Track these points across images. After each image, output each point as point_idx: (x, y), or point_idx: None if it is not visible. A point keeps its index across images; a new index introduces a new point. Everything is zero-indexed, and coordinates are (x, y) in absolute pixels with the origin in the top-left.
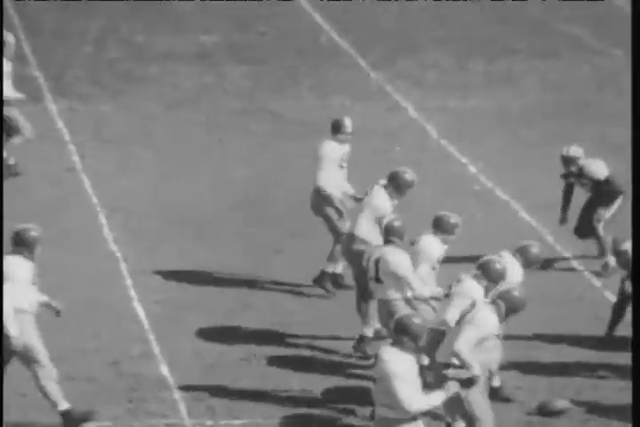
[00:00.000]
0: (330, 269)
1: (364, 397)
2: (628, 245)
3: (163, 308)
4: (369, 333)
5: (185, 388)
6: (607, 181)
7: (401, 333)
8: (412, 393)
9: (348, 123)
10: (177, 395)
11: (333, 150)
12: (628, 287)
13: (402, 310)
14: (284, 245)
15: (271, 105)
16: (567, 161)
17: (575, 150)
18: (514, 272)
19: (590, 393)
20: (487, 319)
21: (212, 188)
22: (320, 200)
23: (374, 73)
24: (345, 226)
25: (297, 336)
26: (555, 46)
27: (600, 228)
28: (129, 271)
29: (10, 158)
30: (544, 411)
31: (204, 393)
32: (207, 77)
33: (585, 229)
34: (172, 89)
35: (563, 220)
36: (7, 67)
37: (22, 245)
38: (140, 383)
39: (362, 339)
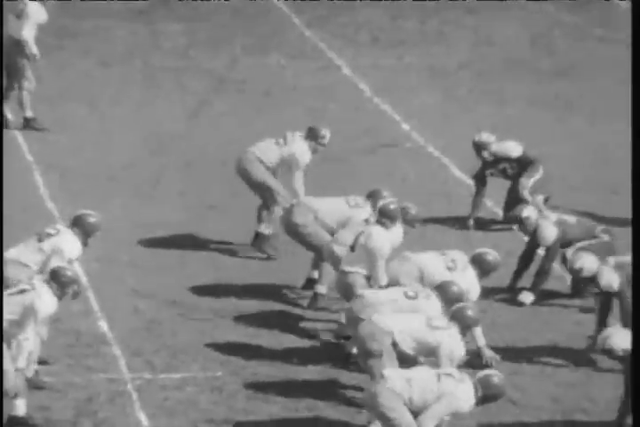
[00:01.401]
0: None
1: (306, 352)
2: (526, 212)
3: (101, 265)
4: (322, 290)
5: (124, 343)
6: (524, 157)
7: None
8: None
9: (327, 134)
10: (116, 350)
11: (303, 155)
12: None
13: (360, 284)
14: (222, 203)
15: (206, 63)
16: (479, 147)
17: (485, 136)
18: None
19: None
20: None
21: (148, 145)
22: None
23: (309, 31)
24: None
25: (235, 291)
26: (486, 2)
27: (526, 194)
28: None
29: None
30: None
31: (143, 348)
32: (141, 34)
33: (513, 201)
34: (106, 45)
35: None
36: None
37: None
38: (79, 339)
39: (315, 296)
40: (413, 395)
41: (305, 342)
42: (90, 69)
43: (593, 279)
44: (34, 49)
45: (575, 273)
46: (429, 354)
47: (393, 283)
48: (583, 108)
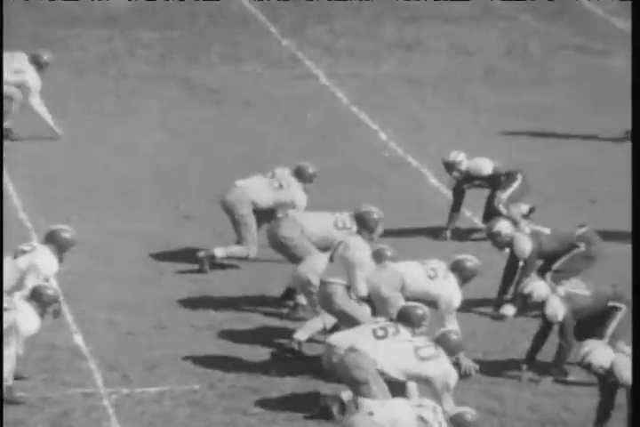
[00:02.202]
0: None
1: (285, 364)
2: (497, 226)
3: (75, 277)
4: (303, 300)
5: (100, 357)
6: (496, 173)
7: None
8: None
9: (316, 172)
10: (92, 364)
11: (302, 200)
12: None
13: (340, 295)
14: (198, 213)
15: (182, 71)
16: (449, 166)
17: (455, 155)
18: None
19: None
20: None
21: (124, 155)
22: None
23: (285, 40)
24: None
25: (212, 303)
26: (463, 11)
27: (501, 207)
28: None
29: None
30: None
31: (120, 362)
32: (116, 42)
33: (491, 213)
34: (80, 53)
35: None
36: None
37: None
38: (54, 354)
39: (296, 306)
40: None
41: (283, 354)
42: (63, 78)
43: (541, 306)
44: None
45: (523, 297)
46: (421, 381)
47: (374, 293)
48: (559, 117)
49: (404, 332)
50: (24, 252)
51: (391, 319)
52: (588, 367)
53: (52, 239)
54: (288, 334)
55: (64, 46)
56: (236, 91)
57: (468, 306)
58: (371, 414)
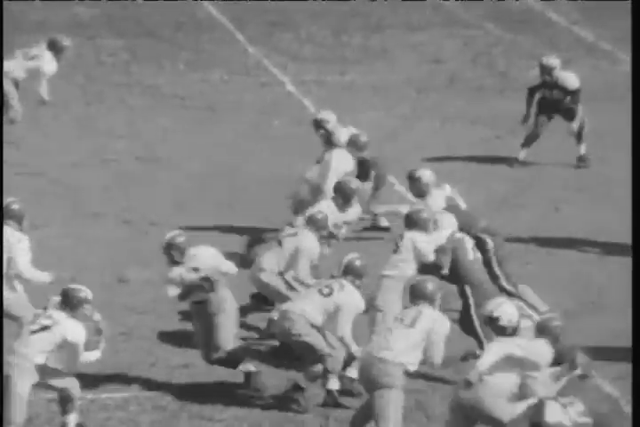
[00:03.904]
0: None
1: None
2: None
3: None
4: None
5: None
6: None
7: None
8: None
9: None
10: None
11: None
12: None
13: (276, 282)
14: (164, 220)
15: (149, 79)
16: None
17: (325, 114)
18: None
19: None
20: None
21: (90, 161)
22: None
23: (252, 48)
24: None
25: (177, 310)
26: (428, 20)
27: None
28: None
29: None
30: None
31: (85, 368)
32: (83, 49)
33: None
34: None
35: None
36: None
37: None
38: None
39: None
40: None
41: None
42: (29, 84)
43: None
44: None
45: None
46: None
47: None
48: (524, 126)
49: (350, 286)
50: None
51: (333, 276)
52: (494, 321)
53: (66, 300)
54: (247, 340)
55: None
56: (202, 97)
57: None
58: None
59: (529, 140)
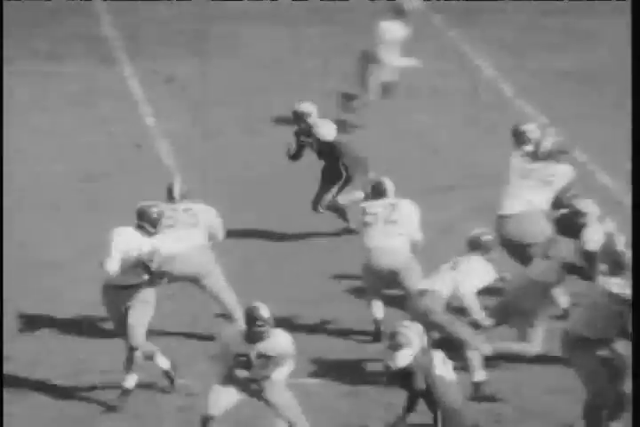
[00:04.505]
0: None
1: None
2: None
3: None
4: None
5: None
6: (332, 144)
7: None
8: None
9: None
10: None
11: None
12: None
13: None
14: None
15: None
16: (297, 117)
17: (306, 106)
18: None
19: None
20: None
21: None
22: None
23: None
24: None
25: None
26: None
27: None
28: None
29: None
30: None
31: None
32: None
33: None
34: None
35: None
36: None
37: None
38: None
39: None
40: None
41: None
42: None
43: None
44: None
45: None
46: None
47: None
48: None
49: (475, 259)
50: None
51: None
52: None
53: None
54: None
55: None
56: None
57: None
58: None
59: None
